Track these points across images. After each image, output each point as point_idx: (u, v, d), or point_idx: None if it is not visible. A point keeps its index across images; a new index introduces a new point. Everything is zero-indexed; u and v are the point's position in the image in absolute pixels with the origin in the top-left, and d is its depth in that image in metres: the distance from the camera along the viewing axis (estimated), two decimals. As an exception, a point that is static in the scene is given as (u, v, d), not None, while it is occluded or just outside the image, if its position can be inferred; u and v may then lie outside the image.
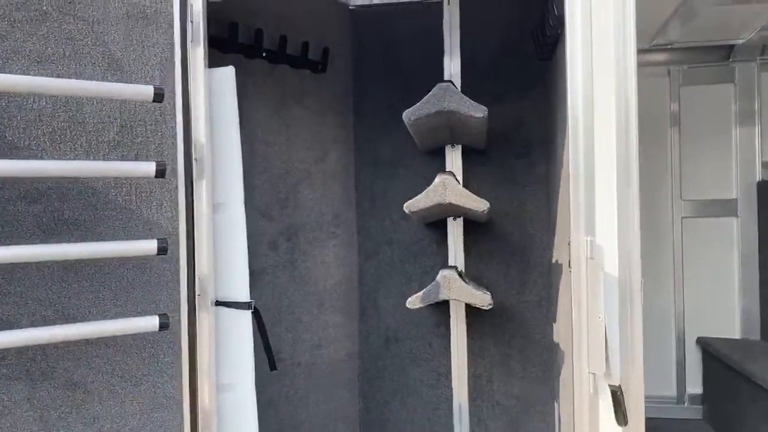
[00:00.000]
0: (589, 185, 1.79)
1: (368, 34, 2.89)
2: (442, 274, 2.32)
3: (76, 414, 1.77)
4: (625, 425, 1.67)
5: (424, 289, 2.35)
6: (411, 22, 2.83)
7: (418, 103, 2.28)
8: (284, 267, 2.64)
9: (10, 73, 1.68)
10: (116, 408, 1.81)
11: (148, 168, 1.72)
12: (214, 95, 2.04)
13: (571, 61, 1.78)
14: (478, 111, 2.23)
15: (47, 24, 1.74)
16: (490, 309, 2.50)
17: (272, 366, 2.30)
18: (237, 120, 2.09)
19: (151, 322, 1.74)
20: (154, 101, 1.73)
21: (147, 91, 1.71)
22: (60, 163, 1.65)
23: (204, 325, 1.98)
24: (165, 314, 1.77)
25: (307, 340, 2.73)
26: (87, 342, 1.78)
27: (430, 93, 2.28)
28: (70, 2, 1.77)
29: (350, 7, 2.83)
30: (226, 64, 2.13)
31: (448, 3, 2.63)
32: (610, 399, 1.72)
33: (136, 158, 1.84)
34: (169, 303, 1.90)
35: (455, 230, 2.80)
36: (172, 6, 1.90)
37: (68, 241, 1.76)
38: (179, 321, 1.91)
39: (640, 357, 1.81)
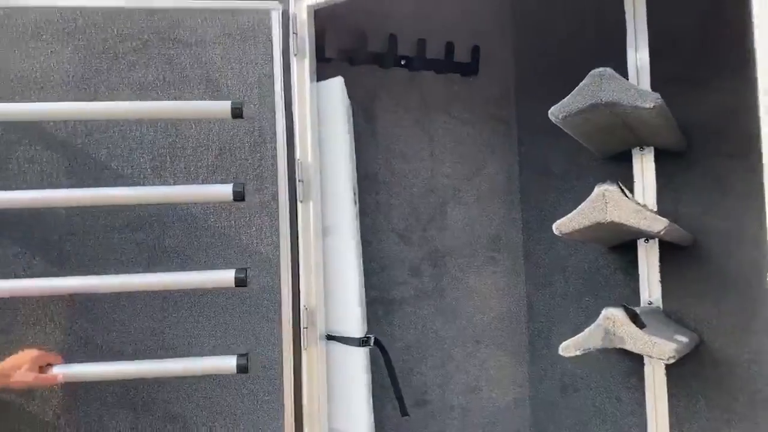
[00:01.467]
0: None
1: (532, 22, 2.46)
2: (605, 314, 1.79)
3: (175, 449, 1.71)
4: None
5: (582, 333, 1.85)
6: (585, 2, 2.34)
7: (567, 97, 1.81)
8: (429, 296, 2.34)
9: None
10: (214, 446, 1.72)
11: (225, 191, 1.60)
12: (322, 110, 1.87)
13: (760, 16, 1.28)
14: (646, 100, 1.68)
15: (148, 51, 1.75)
16: (699, 358, 1.89)
17: (403, 411, 2.02)
18: (348, 135, 1.88)
19: (228, 364, 1.59)
20: (233, 117, 1.61)
21: (224, 107, 1.60)
22: (125, 189, 1.62)
23: (313, 362, 1.79)
24: (245, 355, 1.61)
25: (461, 381, 2.38)
26: (185, 374, 1.72)
27: (581, 83, 1.79)
28: (170, 27, 1.76)
29: None
30: (359, 77, 1.95)
31: None
32: None
33: (234, 181, 1.75)
34: (270, 337, 1.75)
35: (648, 255, 2.20)
36: (270, 20, 1.78)
37: (169, 269, 1.72)
38: (281, 357, 1.75)
39: None
